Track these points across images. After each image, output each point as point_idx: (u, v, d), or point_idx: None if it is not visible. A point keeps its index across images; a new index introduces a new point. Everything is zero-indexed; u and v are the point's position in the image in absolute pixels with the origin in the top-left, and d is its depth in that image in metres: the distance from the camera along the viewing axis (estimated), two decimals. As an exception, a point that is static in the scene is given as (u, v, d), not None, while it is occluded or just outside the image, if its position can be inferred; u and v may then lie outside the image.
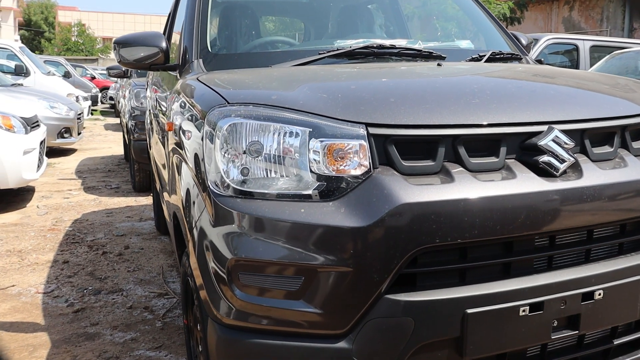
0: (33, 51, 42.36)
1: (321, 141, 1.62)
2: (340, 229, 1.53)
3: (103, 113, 21.07)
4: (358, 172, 1.61)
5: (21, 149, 5.91)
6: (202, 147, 1.77)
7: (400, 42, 2.74)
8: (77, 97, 13.15)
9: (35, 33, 53.07)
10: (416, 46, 2.67)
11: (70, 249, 4.83)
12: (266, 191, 1.63)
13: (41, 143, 6.50)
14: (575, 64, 9.91)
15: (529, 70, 2.48)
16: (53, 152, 10.43)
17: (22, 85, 10.95)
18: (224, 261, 1.64)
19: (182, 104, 2.20)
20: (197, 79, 2.18)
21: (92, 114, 18.37)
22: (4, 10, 49.19)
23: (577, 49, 9.93)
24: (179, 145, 2.20)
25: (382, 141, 1.64)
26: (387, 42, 2.62)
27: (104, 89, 24.25)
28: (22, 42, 47.92)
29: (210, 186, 1.69)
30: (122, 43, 2.75)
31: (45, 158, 6.97)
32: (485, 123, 1.68)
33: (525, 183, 1.65)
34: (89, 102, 15.95)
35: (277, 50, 2.75)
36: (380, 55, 2.55)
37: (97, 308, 3.61)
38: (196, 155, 1.84)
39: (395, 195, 1.54)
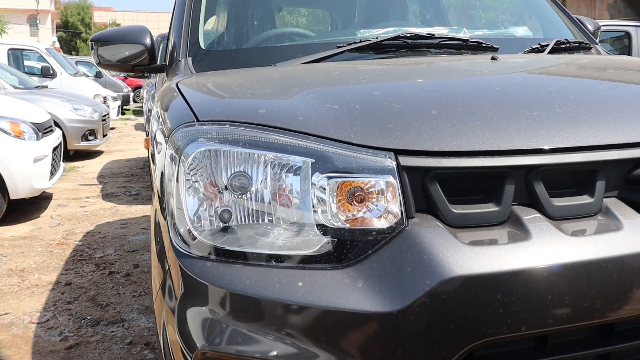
0: (70, 52, 42.89)
1: (329, 177, 1.10)
2: (355, 315, 1.01)
3: (136, 112, 20.89)
4: (384, 223, 1.08)
5: (31, 156, 5.54)
6: (165, 179, 1.27)
7: (441, 31, 2.18)
8: (104, 97, 12.88)
9: (72, 34, 53.63)
10: (461, 35, 2.11)
11: (76, 267, 4.42)
12: (254, 250, 1.12)
13: (55, 149, 6.12)
14: (627, 53, 9.18)
15: (615, 63, 1.89)
16: (78, 155, 10.16)
17: (46, 87, 10.69)
18: (192, 347, 1.13)
19: (157, 117, 1.71)
20: (177, 83, 1.67)
21: (123, 113, 18.18)
22: (42, 13, 49.88)
23: (629, 36, 9.20)
24: (153, 169, 1.70)
25: (421, 177, 1.11)
26: (424, 31, 2.06)
27: (137, 88, 24.11)
28: (60, 44, 48.66)
29: (174, 241, 1.18)
30: (101, 41, 2.26)
31: (62, 164, 6.61)
32: (575, 145, 1.12)
33: (635, 236, 1.09)
34: (119, 102, 15.69)
35: (284, 45, 2.22)
36: (415, 47, 2.00)
37: (93, 343, 3.17)
38: (161, 188, 1.34)
39: (442, 261, 1.01)
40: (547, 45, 2.11)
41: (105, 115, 10.20)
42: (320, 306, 1.03)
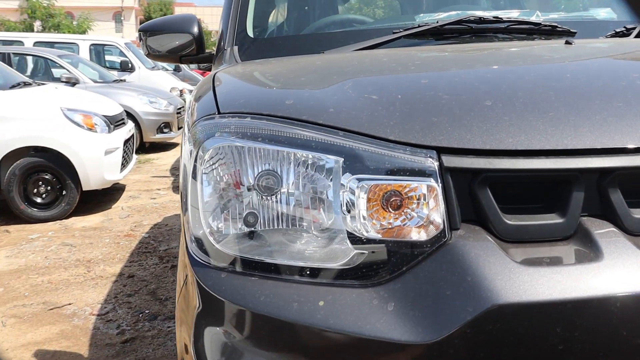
0: (152, 47, 44.26)
1: (359, 179, 0.94)
2: (383, 345, 0.85)
3: (211, 106, 21.23)
4: (423, 235, 0.92)
5: (103, 148, 5.64)
6: (184, 174, 1.15)
7: (510, 14, 1.96)
8: (181, 90, 13.13)
9: (155, 29, 55.30)
10: (532, 18, 1.89)
11: (140, 259, 4.45)
12: (274, 261, 0.98)
13: (127, 142, 6.22)
14: None
15: None
16: (153, 147, 10.39)
17: (124, 80, 10.99)
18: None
19: (188, 108, 1.60)
20: (215, 73, 1.56)
21: (199, 107, 18.50)
22: (126, 10, 51.90)
23: None
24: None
25: (468, 180, 0.93)
26: (490, 14, 1.85)
27: (215, 81, 24.51)
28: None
29: (190, 247, 1.06)
30: (150, 30, 2.18)
31: (134, 156, 6.72)
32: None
33: None
34: (195, 96, 15.95)
35: (335, 31, 2.06)
36: (480, 32, 1.80)
37: (149, 338, 3.14)
38: (182, 183, 1.22)
39: (489, 285, 0.84)
40: (634, 28, 1.85)
41: (180, 108, 10.38)
42: (342, 331, 0.88)
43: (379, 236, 0.93)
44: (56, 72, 9.97)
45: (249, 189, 1.02)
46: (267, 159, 1.01)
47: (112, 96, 8.00)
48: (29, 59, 10.28)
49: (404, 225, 0.93)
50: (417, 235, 0.92)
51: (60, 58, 9.84)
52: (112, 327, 3.29)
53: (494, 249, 0.88)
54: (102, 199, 6.44)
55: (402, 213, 0.93)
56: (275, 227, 1.00)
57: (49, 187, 5.51)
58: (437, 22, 1.80)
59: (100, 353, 3.00)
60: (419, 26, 1.77)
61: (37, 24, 27.80)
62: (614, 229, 0.91)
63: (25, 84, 6.16)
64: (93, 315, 3.46)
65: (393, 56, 1.50)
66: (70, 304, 3.64)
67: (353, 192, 0.95)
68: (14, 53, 9.82)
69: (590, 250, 0.88)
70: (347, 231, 0.95)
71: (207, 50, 2.24)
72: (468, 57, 1.48)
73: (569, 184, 0.93)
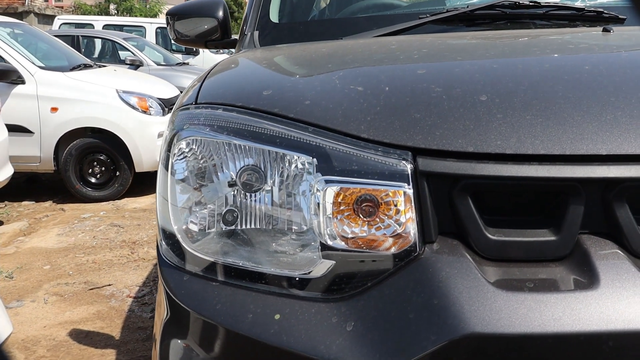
0: (222, 31, 45.09)
1: (327, 181, 0.84)
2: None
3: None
4: (392, 247, 0.81)
5: (156, 131, 5.70)
6: (159, 161, 1.09)
7: (553, -1, 1.78)
8: (242, 75, 13.24)
9: (225, 14, 56.17)
10: (577, 3, 1.71)
11: (183, 243, 4.47)
12: (243, 264, 0.90)
13: (180, 125, 6.27)
14: None
15: None
16: (213, 131, 10.50)
17: (187, 64, 11.15)
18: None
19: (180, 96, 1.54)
20: (222, 60, 1.48)
21: (263, 91, 18.66)
22: (198, -7, 52.97)
23: None
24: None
25: (447, 187, 0.81)
26: (527, -1, 1.69)
27: (280, 66, 24.64)
28: (214, 23, 51.51)
29: (161, 249, 0.99)
30: (178, 14, 2.13)
31: (188, 140, 6.78)
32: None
33: None
34: (258, 80, 16.06)
35: (357, 17, 1.93)
36: (516, 18, 1.64)
37: (180, 324, 3.14)
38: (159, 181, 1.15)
39: (457, 310, 0.73)
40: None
41: (240, 92, 10.43)
42: (294, 351, 0.78)
43: (343, 245, 0.83)
44: (123, 54, 10.22)
45: (229, 185, 0.94)
46: (240, 154, 0.92)
47: (173, 79, 8.11)
48: (97, 42, 10.58)
49: (372, 235, 0.82)
50: (386, 247, 0.81)
51: (126, 41, 10.07)
52: (146, 311, 3.31)
53: (468, 268, 0.76)
54: (155, 180, 6.53)
55: (373, 221, 0.83)
56: (251, 227, 0.92)
57: (103, 168, 5.63)
58: (467, 6, 1.66)
59: (131, 336, 3.02)
60: (447, 11, 1.64)
61: (112, 7, 28.65)
62: (618, 251, 0.77)
63: (86, 66, 6.30)
64: (130, 298, 3.50)
65: (404, 43, 1.38)
66: (110, 285, 3.69)
67: (318, 195, 0.85)
68: (82, 36, 10.12)
69: (584, 276, 0.75)
70: (309, 238, 0.85)
71: (233, 36, 2.18)
72: (484, 46, 1.33)
73: (566, 196, 0.79)
